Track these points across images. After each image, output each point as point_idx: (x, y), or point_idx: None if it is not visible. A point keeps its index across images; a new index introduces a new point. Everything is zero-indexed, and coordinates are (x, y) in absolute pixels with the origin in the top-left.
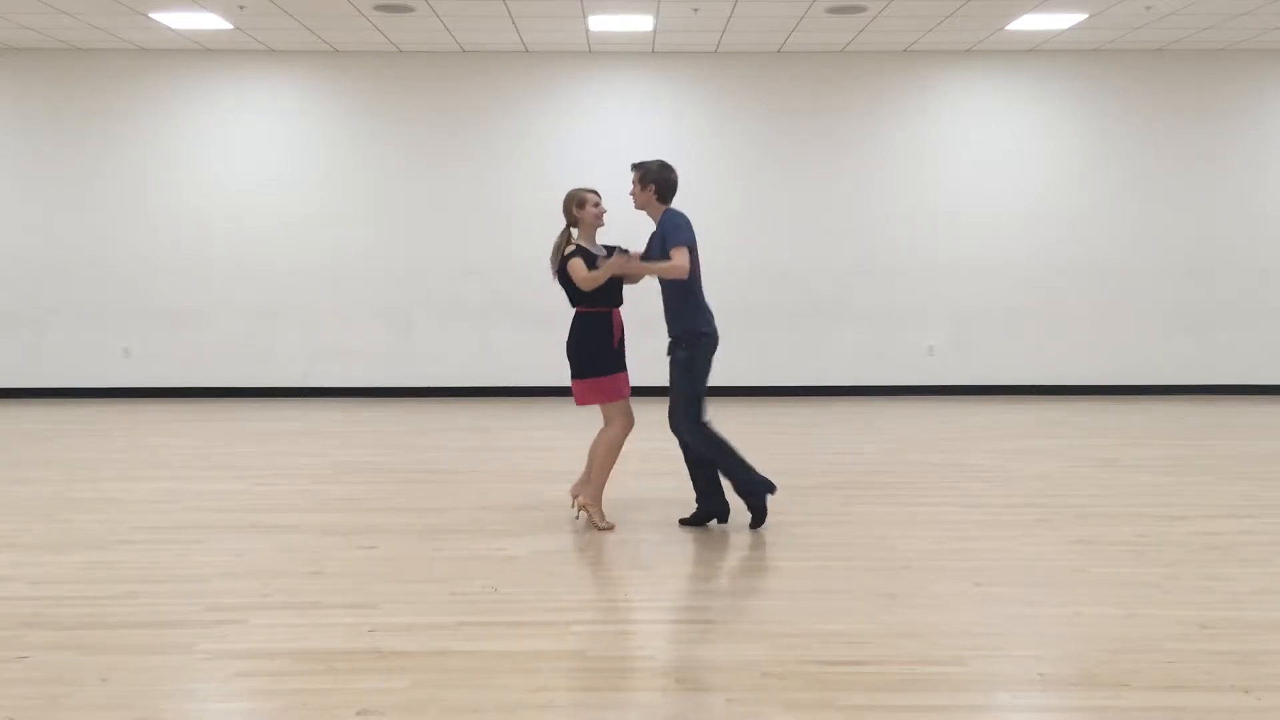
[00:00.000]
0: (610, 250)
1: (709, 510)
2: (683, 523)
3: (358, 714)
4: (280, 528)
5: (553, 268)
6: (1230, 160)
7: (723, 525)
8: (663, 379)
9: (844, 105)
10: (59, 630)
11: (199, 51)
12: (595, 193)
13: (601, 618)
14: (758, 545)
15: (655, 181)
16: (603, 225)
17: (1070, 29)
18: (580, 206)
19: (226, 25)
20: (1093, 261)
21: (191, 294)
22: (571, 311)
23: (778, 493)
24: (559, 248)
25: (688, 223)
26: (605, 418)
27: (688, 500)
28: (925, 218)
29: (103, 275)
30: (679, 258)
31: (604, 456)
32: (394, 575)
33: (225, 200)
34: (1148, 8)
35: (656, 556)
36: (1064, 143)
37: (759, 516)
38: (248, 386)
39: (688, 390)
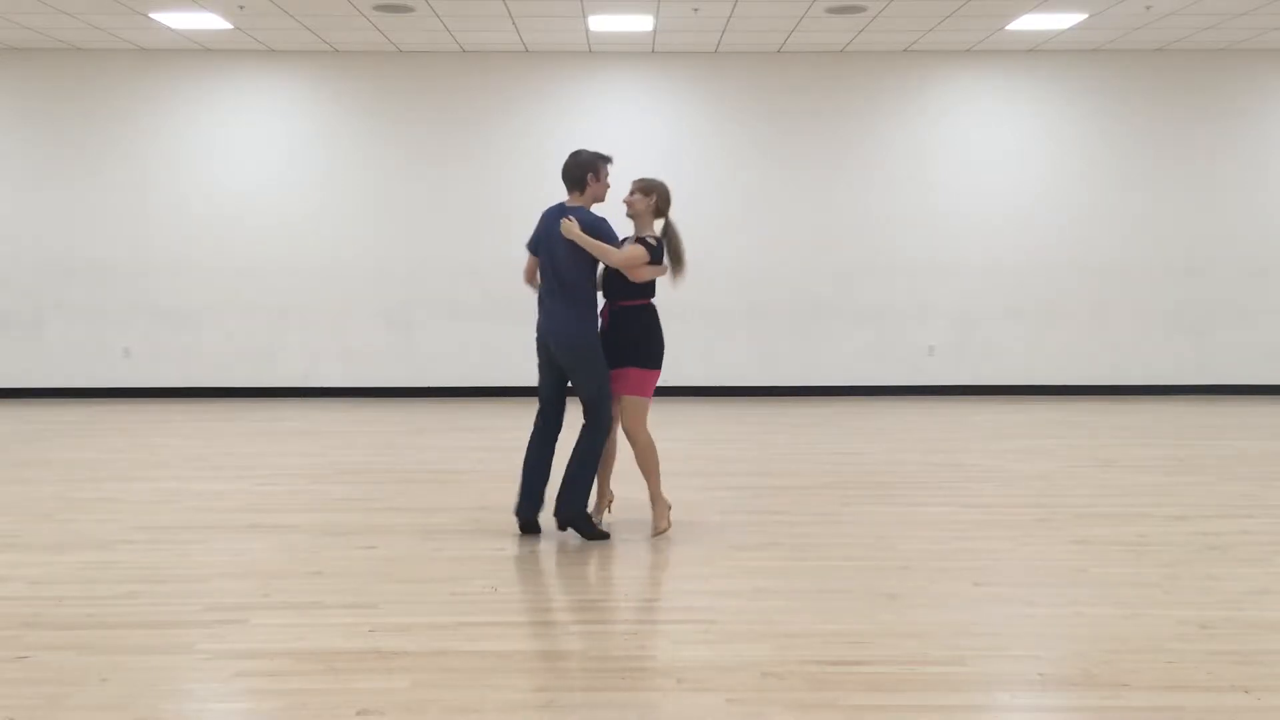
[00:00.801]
0: (623, 240)
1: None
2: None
3: (358, 714)
4: (280, 528)
5: None
6: (1230, 160)
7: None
8: (669, 378)
9: (844, 105)
10: (59, 630)
11: (199, 51)
12: (635, 182)
13: (601, 618)
14: (758, 545)
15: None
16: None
17: (1070, 29)
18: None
19: (226, 25)
20: (1092, 261)
21: (191, 294)
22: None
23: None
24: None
25: (541, 221)
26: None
27: (685, 501)
28: (925, 218)
29: (103, 275)
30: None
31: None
32: (394, 575)
33: (225, 200)
34: (1148, 8)
35: (656, 556)
36: (1064, 143)
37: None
38: (248, 386)
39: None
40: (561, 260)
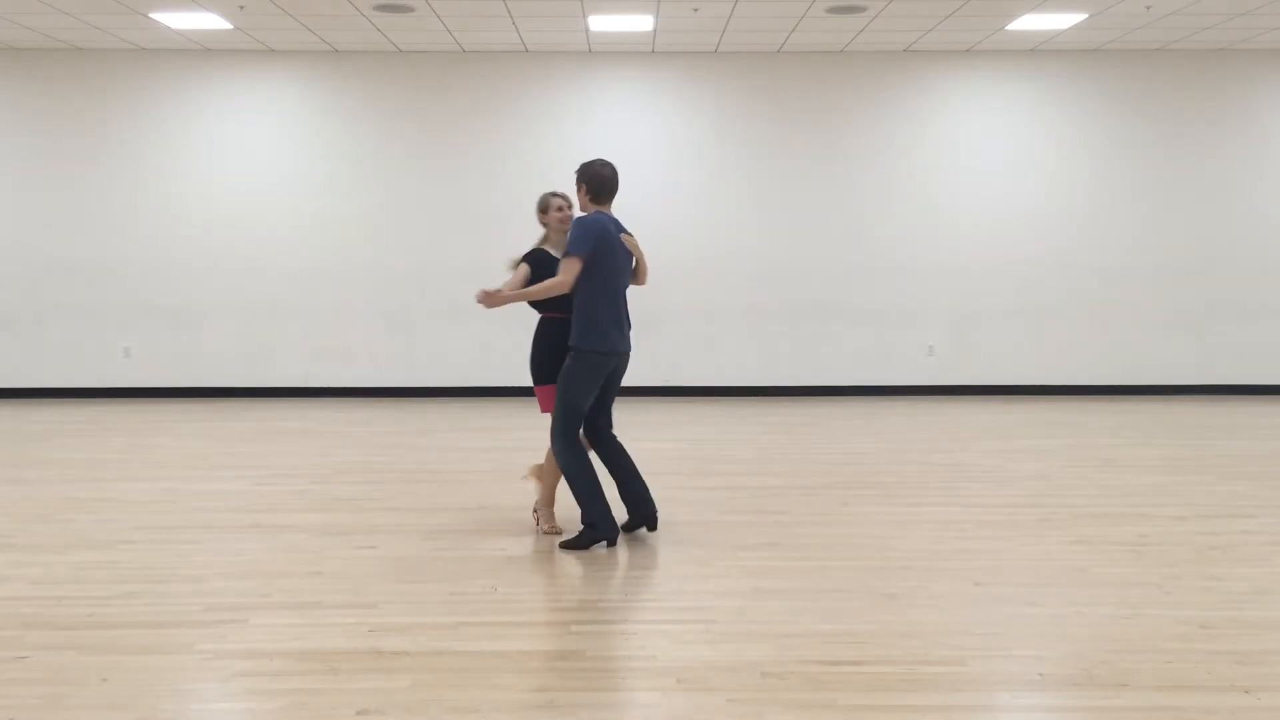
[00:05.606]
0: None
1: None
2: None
3: (358, 714)
4: (280, 528)
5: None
6: (1230, 160)
7: (652, 532)
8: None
9: (844, 105)
10: (59, 630)
11: (199, 51)
12: (561, 196)
13: (601, 618)
14: (758, 546)
15: (586, 180)
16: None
17: (1070, 29)
18: (544, 211)
19: (226, 25)
20: (1093, 261)
21: (191, 294)
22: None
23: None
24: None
25: (594, 231)
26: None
27: (685, 501)
28: (925, 217)
29: (103, 275)
30: (563, 272)
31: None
32: (394, 575)
33: (225, 200)
34: (1148, 8)
35: (656, 556)
36: (1064, 142)
37: (577, 542)
38: (248, 386)
39: (561, 401)
40: (626, 271)
